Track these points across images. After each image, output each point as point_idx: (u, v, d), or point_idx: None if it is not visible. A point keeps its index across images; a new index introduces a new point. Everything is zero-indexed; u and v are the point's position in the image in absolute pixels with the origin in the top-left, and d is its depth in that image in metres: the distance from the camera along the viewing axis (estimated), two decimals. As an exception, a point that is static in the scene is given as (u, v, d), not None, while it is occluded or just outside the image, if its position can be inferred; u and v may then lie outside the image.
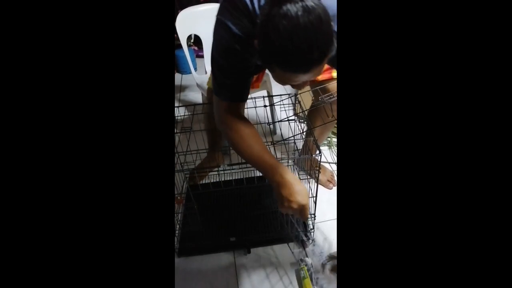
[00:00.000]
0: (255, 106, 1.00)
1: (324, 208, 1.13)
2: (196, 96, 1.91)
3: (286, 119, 0.95)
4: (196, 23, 1.41)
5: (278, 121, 0.91)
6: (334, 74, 0.97)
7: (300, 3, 0.52)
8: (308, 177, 1.07)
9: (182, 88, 2.06)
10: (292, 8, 0.51)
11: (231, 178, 1.20)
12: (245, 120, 0.78)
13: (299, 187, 0.69)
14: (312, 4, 0.52)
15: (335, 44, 0.56)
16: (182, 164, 1.02)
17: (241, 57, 0.70)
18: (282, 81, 0.63)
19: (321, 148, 0.87)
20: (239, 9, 0.66)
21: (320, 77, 0.98)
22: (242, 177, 1.13)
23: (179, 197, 0.86)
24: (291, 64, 0.56)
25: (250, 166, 0.77)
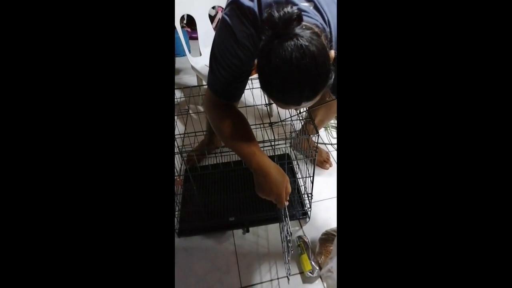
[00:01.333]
0: (252, 87, 1.00)
1: (320, 188, 1.15)
2: (191, 79, 1.89)
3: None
4: (190, 2, 1.37)
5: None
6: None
7: (296, 41, 0.50)
8: (305, 157, 1.09)
9: (177, 71, 2.03)
10: (288, 46, 0.50)
11: (229, 160, 1.21)
12: (230, 108, 0.76)
13: (274, 177, 0.70)
14: (308, 44, 0.50)
15: (331, 81, 0.56)
16: (180, 147, 1.02)
17: (241, 63, 0.68)
18: (277, 106, 0.63)
19: (321, 127, 0.89)
20: (247, 17, 0.63)
21: None
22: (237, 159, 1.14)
23: (177, 179, 0.87)
24: (281, 99, 0.57)
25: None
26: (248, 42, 0.65)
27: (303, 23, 0.52)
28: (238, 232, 1.05)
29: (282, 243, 0.82)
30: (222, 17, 0.67)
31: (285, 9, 0.50)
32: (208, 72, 0.73)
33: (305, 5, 0.61)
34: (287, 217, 0.79)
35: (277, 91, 0.56)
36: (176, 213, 1.06)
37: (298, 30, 0.51)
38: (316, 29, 0.55)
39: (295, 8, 0.50)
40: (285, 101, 0.57)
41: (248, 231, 1.04)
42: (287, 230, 0.78)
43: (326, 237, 0.96)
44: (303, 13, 0.55)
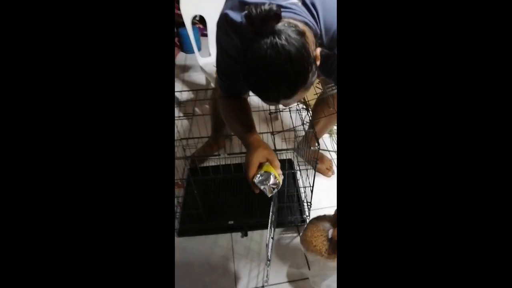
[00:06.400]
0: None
1: (320, 196, 1.15)
2: (200, 78, 1.90)
3: (288, 108, 0.95)
4: (201, 2, 1.37)
5: (280, 111, 0.91)
6: None
7: (272, 39, 0.51)
8: (308, 166, 1.10)
9: (186, 68, 2.04)
10: (264, 44, 0.51)
11: (230, 163, 1.23)
12: (239, 102, 0.82)
13: (248, 161, 0.71)
14: (284, 43, 0.51)
15: (312, 79, 0.57)
16: (184, 148, 1.04)
17: (234, 69, 0.72)
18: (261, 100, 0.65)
19: (322, 135, 0.89)
20: (235, 29, 0.66)
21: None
22: (241, 162, 1.15)
23: (179, 182, 0.89)
24: (260, 95, 0.58)
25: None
26: (234, 52, 0.69)
27: (288, 20, 0.53)
28: (237, 235, 1.07)
29: (266, 248, 0.83)
30: (216, 26, 0.71)
31: (263, 7, 0.50)
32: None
33: (292, 1, 0.61)
34: (273, 225, 0.80)
35: (255, 88, 0.57)
36: (178, 214, 1.08)
37: (280, 26, 0.52)
38: (301, 26, 0.55)
39: (274, 5, 0.50)
40: (264, 97, 0.59)
41: (246, 235, 1.06)
42: (269, 236, 0.80)
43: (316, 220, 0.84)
44: (288, 9, 0.55)
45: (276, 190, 0.66)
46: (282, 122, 1.02)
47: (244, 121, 0.78)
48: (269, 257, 0.80)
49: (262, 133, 1.01)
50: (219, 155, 0.86)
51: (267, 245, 0.79)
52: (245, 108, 0.82)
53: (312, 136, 0.92)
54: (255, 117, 1.25)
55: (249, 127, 0.77)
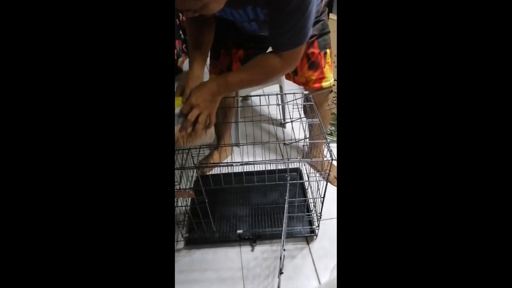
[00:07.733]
0: (268, 104, 1.00)
1: (330, 206, 1.14)
2: (208, 84, 1.91)
3: (298, 118, 0.95)
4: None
5: (290, 121, 0.92)
6: (324, 84, 1.00)
7: None
8: (317, 175, 1.09)
9: (195, 74, 2.05)
10: None
11: (242, 171, 1.22)
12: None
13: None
14: None
15: None
16: (193, 156, 1.04)
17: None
18: None
19: (330, 144, 0.89)
20: None
21: (312, 86, 1.00)
22: (252, 170, 1.15)
23: (190, 191, 0.89)
24: None
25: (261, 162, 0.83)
26: None
27: None
28: (246, 245, 1.06)
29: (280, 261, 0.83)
30: None
31: None
32: None
33: None
34: (284, 236, 0.80)
35: None
36: (186, 222, 1.08)
37: None
38: None
39: None
40: None
41: (255, 243, 1.05)
42: (282, 247, 0.80)
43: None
44: None
45: None
46: (293, 131, 1.02)
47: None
48: (281, 269, 0.79)
49: (272, 142, 1.01)
50: (231, 164, 0.86)
51: (280, 258, 0.79)
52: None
53: (322, 146, 0.92)
54: (264, 128, 1.25)
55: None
